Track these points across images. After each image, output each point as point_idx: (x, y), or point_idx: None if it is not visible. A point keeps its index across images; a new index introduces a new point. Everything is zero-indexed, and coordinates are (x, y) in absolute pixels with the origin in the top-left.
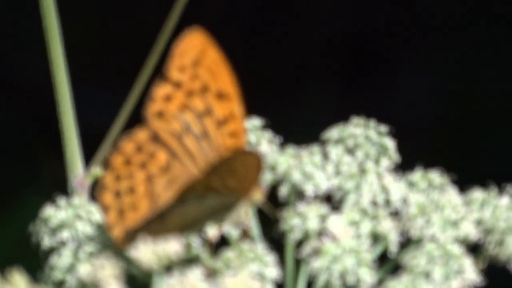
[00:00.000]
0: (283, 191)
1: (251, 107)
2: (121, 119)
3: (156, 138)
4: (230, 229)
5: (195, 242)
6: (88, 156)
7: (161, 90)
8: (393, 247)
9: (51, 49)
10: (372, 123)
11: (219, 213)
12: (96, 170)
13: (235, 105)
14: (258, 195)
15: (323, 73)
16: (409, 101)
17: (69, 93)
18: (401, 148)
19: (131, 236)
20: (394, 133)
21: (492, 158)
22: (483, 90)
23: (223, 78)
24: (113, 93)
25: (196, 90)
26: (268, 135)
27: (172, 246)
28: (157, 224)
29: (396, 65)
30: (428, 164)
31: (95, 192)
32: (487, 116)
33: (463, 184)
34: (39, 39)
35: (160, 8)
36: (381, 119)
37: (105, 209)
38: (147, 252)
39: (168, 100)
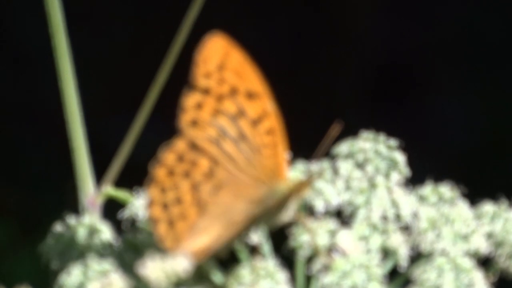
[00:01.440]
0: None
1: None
2: (130, 137)
3: (195, 146)
4: (240, 246)
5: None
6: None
7: (191, 99)
8: (403, 262)
9: (61, 73)
10: (382, 137)
11: (273, 213)
12: (107, 188)
13: (266, 103)
14: (307, 191)
15: (356, 99)
16: (442, 126)
17: (79, 113)
18: (432, 171)
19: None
20: (427, 156)
21: None
22: None
23: (250, 78)
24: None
25: (225, 94)
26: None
27: (180, 263)
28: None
29: (429, 90)
30: (459, 184)
31: (106, 210)
32: None
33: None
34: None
35: (172, 32)
36: (414, 143)
37: (154, 222)
38: (155, 269)
39: (199, 107)
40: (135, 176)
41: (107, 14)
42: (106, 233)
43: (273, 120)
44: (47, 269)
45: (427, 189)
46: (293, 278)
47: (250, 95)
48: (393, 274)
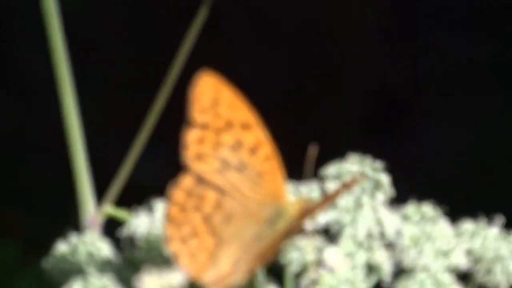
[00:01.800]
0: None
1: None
2: (130, 158)
3: (201, 180)
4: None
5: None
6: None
7: (191, 135)
8: (387, 277)
9: (62, 95)
10: (368, 160)
11: (287, 234)
12: (107, 208)
13: (259, 132)
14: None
15: (348, 127)
16: (435, 155)
17: (79, 132)
18: (420, 195)
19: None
20: (416, 183)
21: None
22: (509, 144)
23: (242, 111)
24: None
25: (222, 127)
26: None
27: (176, 277)
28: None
29: (419, 118)
30: (452, 214)
31: (108, 229)
32: None
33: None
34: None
35: (171, 52)
36: (404, 168)
37: (177, 256)
38: (152, 284)
39: (201, 142)
40: (134, 195)
41: (108, 39)
42: (106, 250)
43: (268, 148)
44: (50, 286)
45: (410, 208)
46: None
47: (244, 127)
48: None
